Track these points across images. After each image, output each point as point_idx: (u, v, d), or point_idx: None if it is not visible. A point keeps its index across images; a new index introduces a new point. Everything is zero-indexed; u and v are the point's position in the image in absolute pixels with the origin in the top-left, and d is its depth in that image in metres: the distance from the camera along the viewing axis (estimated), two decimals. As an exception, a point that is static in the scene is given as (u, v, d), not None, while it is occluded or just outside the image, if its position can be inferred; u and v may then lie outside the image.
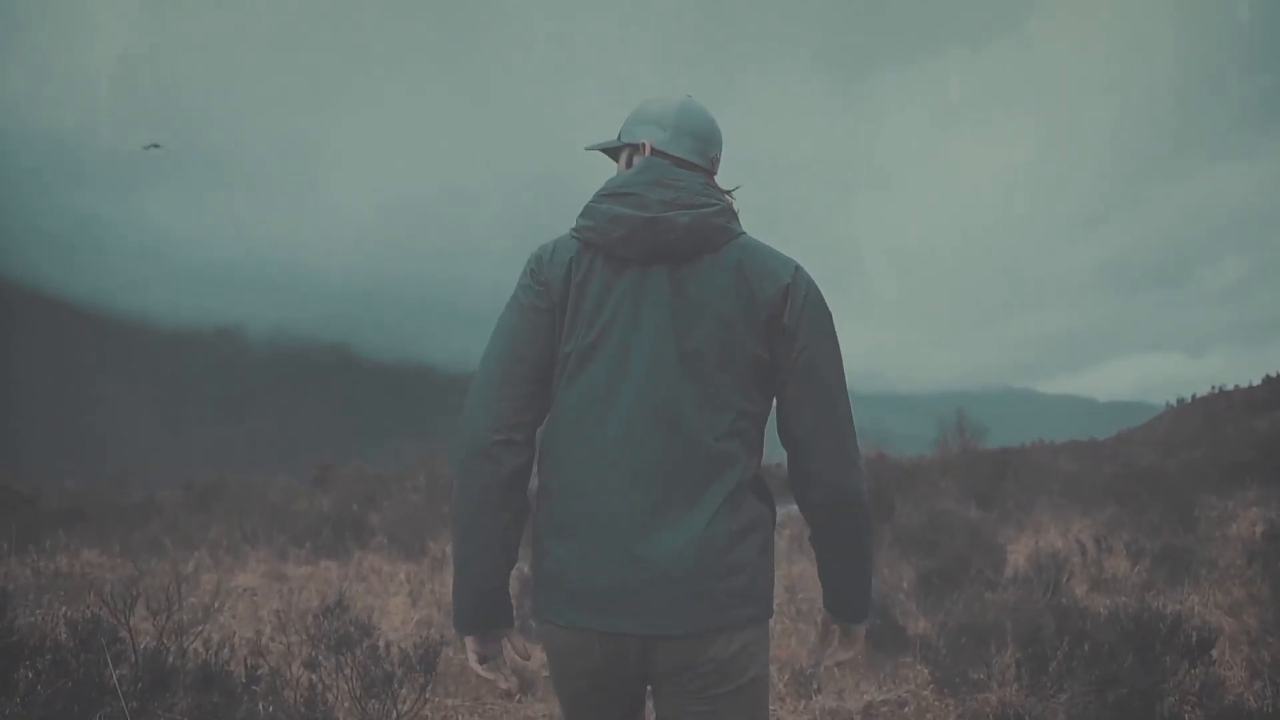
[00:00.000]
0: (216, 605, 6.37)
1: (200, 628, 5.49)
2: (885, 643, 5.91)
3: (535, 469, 2.15)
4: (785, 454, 2.18)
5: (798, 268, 2.12)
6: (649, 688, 2.13)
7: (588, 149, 2.36)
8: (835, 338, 2.15)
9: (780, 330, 2.07)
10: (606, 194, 2.12)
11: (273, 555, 8.61)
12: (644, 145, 2.20)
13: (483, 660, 2.19)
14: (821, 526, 2.17)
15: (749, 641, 2.06)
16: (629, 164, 2.24)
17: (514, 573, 2.52)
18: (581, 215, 2.13)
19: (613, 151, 2.32)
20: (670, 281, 2.06)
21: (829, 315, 2.14)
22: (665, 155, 2.17)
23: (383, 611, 6.71)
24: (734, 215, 2.16)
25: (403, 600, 7.03)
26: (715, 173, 2.25)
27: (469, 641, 2.17)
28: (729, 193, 2.21)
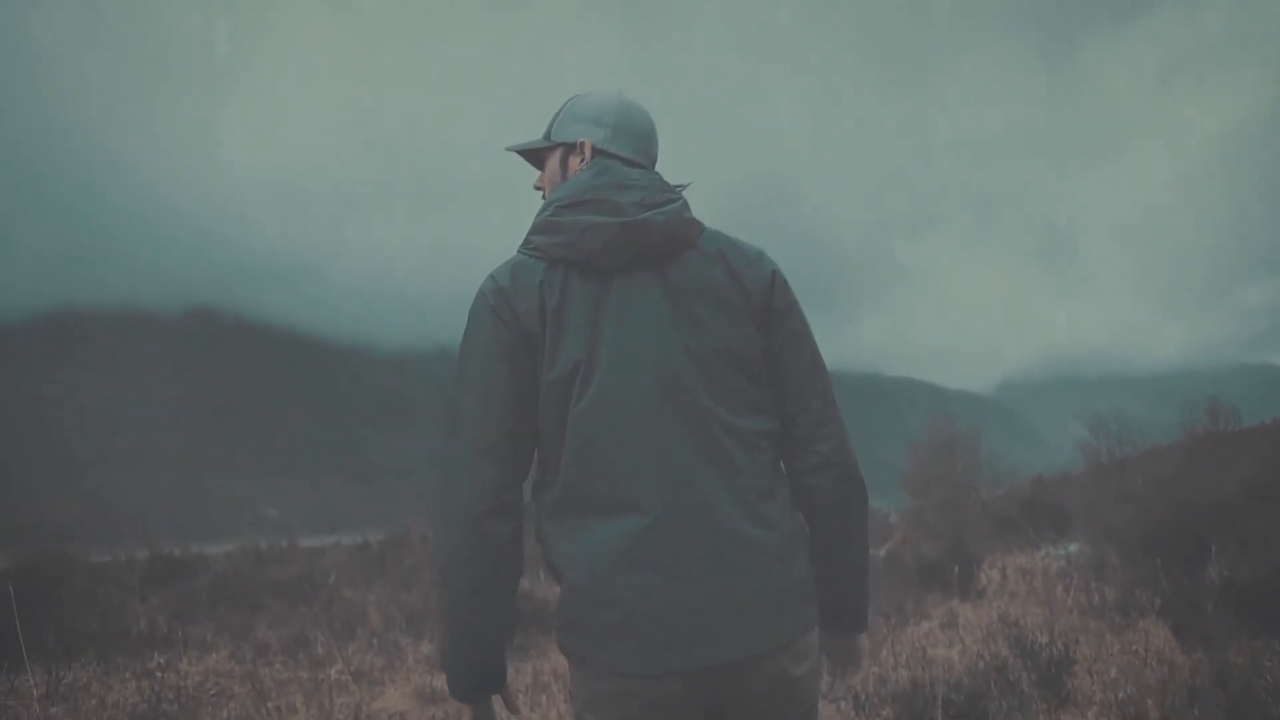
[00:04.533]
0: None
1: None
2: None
3: (548, 514, 1.96)
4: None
5: (766, 253, 2.08)
6: None
7: (509, 150, 2.23)
8: None
9: (773, 315, 2.03)
10: (566, 204, 1.97)
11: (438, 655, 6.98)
12: (582, 144, 2.09)
13: None
14: (827, 517, 2.09)
15: (814, 642, 2.03)
16: (562, 164, 2.13)
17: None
18: (539, 232, 1.99)
19: (535, 154, 2.22)
20: (661, 284, 1.96)
21: None
22: (606, 154, 2.07)
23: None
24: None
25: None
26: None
27: (468, 710, 2.04)
28: (682, 188, 2.08)
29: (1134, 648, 6.29)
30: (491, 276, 1.97)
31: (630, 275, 1.95)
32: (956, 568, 7.79)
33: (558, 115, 2.16)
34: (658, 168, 2.16)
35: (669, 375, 1.92)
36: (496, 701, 2.07)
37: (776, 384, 2.04)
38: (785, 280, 2.05)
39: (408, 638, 7.25)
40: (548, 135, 2.16)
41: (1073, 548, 9.60)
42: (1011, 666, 5.55)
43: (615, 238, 1.92)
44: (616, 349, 1.91)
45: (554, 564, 1.98)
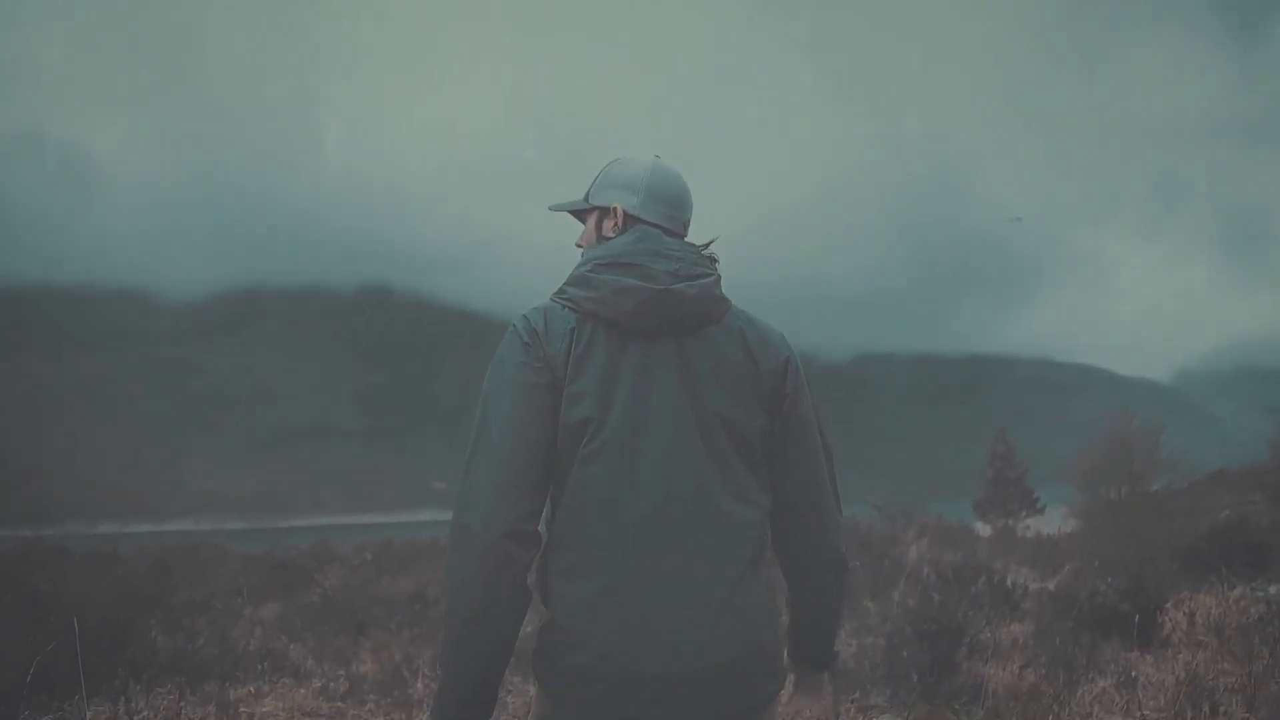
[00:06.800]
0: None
1: None
2: None
3: (550, 546, 2.03)
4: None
5: (785, 337, 2.15)
6: None
7: (552, 209, 2.33)
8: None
9: (781, 398, 2.08)
10: (605, 263, 2.05)
11: None
12: (615, 209, 2.17)
13: None
14: (803, 584, 2.22)
15: (774, 715, 2.09)
16: (598, 227, 2.22)
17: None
18: (575, 284, 2.06)
19: (579, 213, 2.30)
20: (678, 354, 2.02)
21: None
22: (637, 220, 2.14)
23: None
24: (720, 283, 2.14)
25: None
26: (685, 236, 2.21)
27: None
28: (707, 247, 2.18)
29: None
30: (525, 316, 2.04)
31: (651, 341, 2.01)
32: (1137, 616, 6.80)
33: (596, 179, 2.24)
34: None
35: (674, 440, 1.97)
36: None
37: (775, 466, 2.12)
38: (799, 367, 2.13)
39: (515, 676, 6.62)
40: (586, 197, 2.25)
41: (1273, 589, 8.44)
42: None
43: (646, 303, 1.98)
44: (626, 410, 1.97)
45: (545, 594, 2.02)
